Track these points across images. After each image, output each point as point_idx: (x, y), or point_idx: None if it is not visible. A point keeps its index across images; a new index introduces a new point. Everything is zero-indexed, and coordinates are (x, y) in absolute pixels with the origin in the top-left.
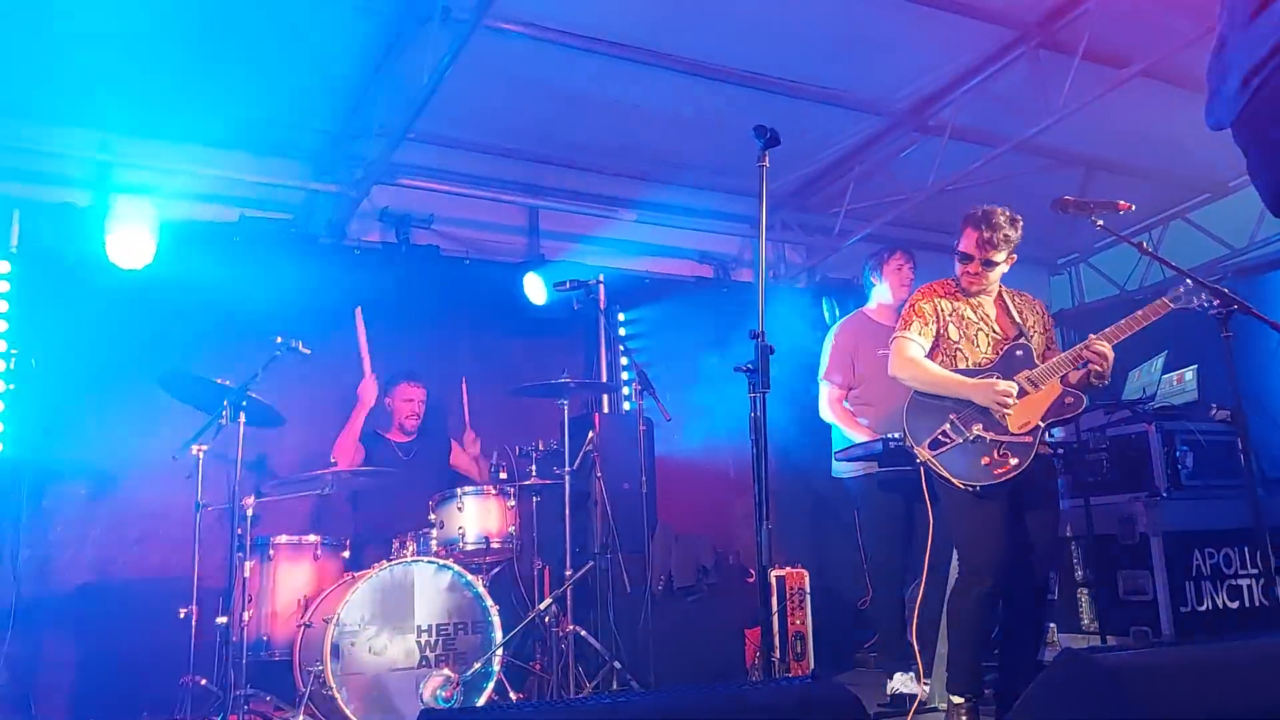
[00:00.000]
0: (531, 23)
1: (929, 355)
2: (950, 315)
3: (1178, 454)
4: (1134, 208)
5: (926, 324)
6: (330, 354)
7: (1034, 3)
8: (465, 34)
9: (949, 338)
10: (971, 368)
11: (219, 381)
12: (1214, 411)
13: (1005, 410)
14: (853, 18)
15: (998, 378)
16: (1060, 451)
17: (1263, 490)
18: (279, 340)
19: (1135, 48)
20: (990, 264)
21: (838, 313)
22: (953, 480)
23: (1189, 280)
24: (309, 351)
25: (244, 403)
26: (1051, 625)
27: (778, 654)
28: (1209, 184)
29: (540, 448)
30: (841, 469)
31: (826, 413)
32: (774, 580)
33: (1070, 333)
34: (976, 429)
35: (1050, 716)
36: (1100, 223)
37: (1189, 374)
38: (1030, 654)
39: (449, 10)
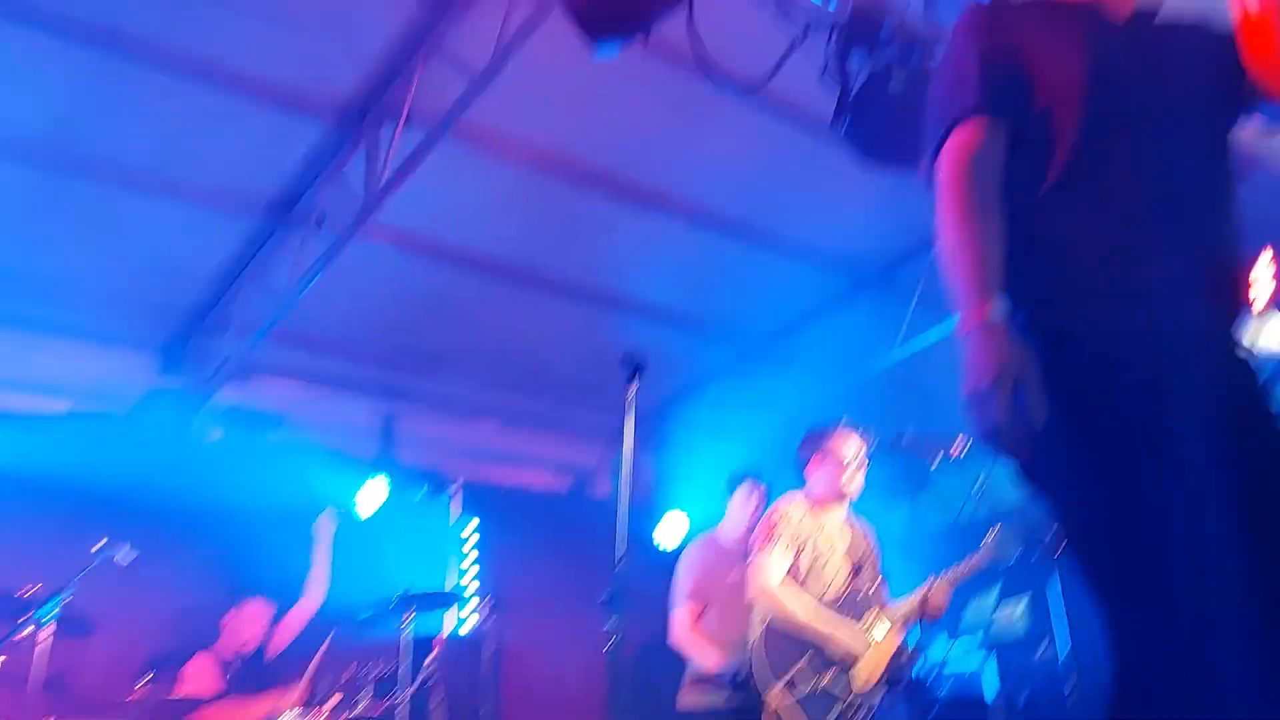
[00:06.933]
0: (403, 234)
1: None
2: (808, 538)
3: (1010, 691)
4: None
5: (789, 547)
6: (158, 559)
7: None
8: (338, 244)
9: (799, 566)
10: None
11: (20, 595)
12: (1043, 649)
13: (854, 664)
14: (713, 254)
15: (850, 620)
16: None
17: None
18: (95, 549)
19: None
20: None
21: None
22: None
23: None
24: (126, 564)
25: (54, 613)
26: None
27: None
28: None
29: (377, 671)
30: (688, 701)
31: (679, 638)
32: None
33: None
34: (826, 679)
35: None
36: None
37: (1020, 607)
38: None
39: (324, 219)
